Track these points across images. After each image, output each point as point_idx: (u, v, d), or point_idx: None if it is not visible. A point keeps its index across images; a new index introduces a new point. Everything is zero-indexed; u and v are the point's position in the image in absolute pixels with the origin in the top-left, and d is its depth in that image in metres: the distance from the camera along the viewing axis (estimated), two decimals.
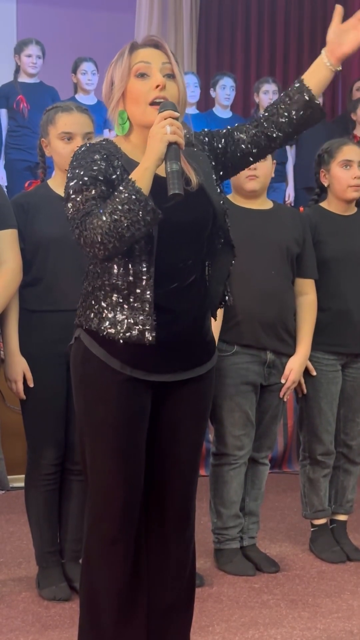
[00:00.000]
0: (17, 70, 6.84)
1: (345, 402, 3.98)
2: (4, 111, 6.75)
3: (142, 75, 2.47)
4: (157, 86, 2.44)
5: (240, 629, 3.25)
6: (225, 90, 7.32)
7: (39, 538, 3.51)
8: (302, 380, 3.88)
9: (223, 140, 2.66)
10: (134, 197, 2.33)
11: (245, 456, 3.78)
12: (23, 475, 3.72)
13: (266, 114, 2.64)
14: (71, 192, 2.44)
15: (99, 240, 2.35)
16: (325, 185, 3.99)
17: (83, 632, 2.66)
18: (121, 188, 2.37)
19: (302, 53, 9.53)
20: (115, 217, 2.33)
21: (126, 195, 2.34)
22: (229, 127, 2.69)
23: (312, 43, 9.54)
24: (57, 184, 3.41)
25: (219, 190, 2.65)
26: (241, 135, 2.64)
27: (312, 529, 4.10)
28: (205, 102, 7.91)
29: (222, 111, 7.29)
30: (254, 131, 2.62)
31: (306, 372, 3.91)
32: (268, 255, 3.70)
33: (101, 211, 2.36)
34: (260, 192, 3.83)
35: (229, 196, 3.74)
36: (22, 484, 3.81)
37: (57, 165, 3.45)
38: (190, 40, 9.09)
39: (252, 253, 3.59)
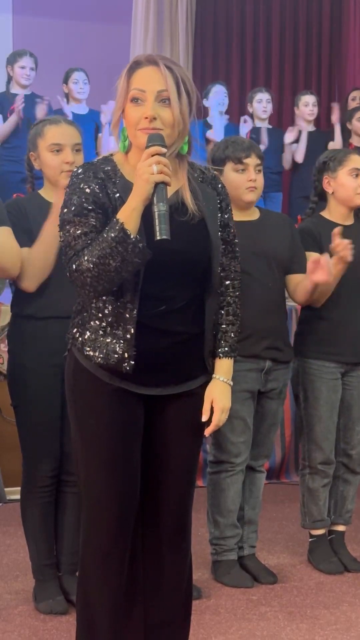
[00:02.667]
0: (9, 81, 6.84)
1: (345, 411, 3.98)
2: None
3: (135, 101, 2.48)
4: (146, 118, 2.45)
5: (246, 636, 3.26)
6: (218, 98, 7.36)
7: (35, 551, 3.50)
8: None
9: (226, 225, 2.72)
10: (122, 238, 2.36)
11: (243, 463, 3.78)
12: (17, 488, 3.72)
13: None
14: (65, 222, 2.50)
15: (89, 282, 2.44)
16: (330, 192, 3.97)
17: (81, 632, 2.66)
18: (109, 229, 2.40)
19: (298, 64, 9.57)
20: (104, 260, 2.39)
21: (114, 236, 2.38)
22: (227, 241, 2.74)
23: (307, 54, 9.59)
24: (48, 194, 3.41)
25: (220, 229, 2.67)
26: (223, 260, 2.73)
27: (310, 540, 4.08)
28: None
29: (218, 117, 7.31)
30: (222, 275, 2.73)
31: (307, 379, 3.91)
32: (264, 267, 3.72)
33: (87, 256, 2.41)
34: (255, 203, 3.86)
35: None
36: (18, 497, 3.81)
37: (47, 177, 3.45)
38: (185, 51, 9.12)
39: (250, 266, 3.57)
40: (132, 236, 2.36)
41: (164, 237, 2.34)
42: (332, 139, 7.32)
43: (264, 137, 7.20)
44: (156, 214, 2.35)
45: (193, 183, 2.61)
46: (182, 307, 2.58)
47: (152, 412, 2.66)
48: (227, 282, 2.75)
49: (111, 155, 2.61)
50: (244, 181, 3.72)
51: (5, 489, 4.99)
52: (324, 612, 3.52)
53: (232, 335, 2.74)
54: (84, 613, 2.65)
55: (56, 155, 3.37)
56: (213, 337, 2.70)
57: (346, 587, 3.81)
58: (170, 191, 2.45)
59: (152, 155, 2.36)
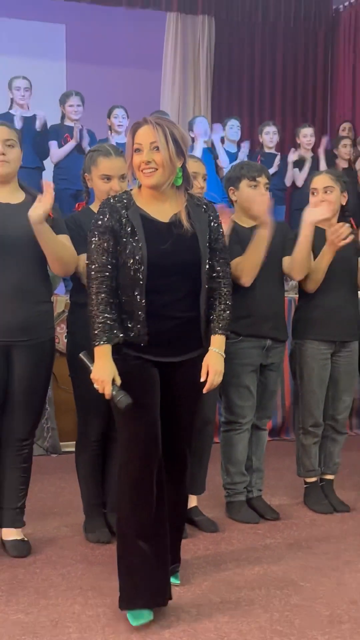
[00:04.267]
0: (63, 117, 6.87)
1: (334, 384, 3.95)
2: (54, 143, 6.77)
3: (137, 151, 2.74)
4: (142, 163, 2.72)
5: (247, 566, 3.26)
6: (232, 130, 7.34)
7: (86, 492, 3.53)
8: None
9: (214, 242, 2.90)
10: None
11: (249, 423, 3.78)
12: (72, 442, 3.75)
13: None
14: (92, 230, 2.77)
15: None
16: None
17: (120, 557, 2.79)
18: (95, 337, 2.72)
19: (297, 101, 9.52)
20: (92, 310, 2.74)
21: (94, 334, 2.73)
22: (218, 249, 2.91)
23: (304, 93, 9.55)
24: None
25: (208, 243, 2.86)
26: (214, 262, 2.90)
27: (305, 486, 4.09)
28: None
29: (230, 145, 7.29)
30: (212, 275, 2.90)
31: (302, 359, 3.91)
32: (266, 265, 3.66)
33: (92, 287, 2.75)
34: None
35: (234, 217, 3.75)
36: (71, 449, 3.84)
37: (97, 197, 3.45)
38: (205, 92, 9.09)
39: (264, 265, 3.62)
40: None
41: (122, 403, 2.67)
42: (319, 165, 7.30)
43: (276, 162, 7.22)
44: (115, 394, 2.69)
45: (189, 207, 2.83)
46: (181, 298, 2.78)
47: (165, 375, 2.83)
48: (220, 280, 2.91)
49: (131, 190, 2.87)
50: (257, 194, 3.69)
51: (60, 443, 5.03)
52: (317, 544, 3.53)
53: (225, 318, 2.91)
54: (121, 537, 2.79)
55: (105, 184, 3.37)
56: (207, 320, 2.88)
57: (334, 524, 3.82)
58: (170, 212, 2.79)
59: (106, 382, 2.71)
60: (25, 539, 3.36)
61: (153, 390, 2.79)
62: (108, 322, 2.71)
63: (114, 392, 2.68)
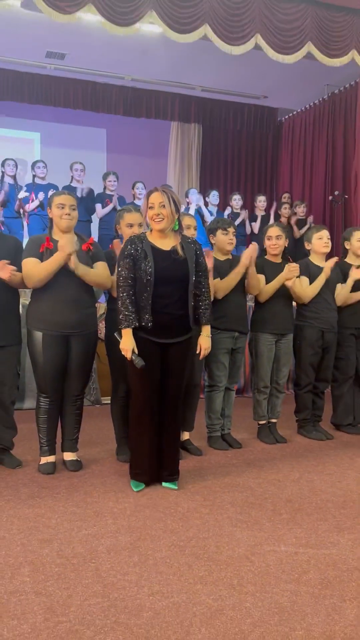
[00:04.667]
0: (104, 188, 6.87)
1: (276, 361, 3.95)
2: (99, 205, 6.77)
3: (151, 207, 2.87)
4: (154, 214, 2.85)
5: (221, 478, 3.25)
6: (214, 197, 7.34)
7: (117, 429, 3.52)
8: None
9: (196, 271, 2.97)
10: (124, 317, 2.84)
11: (223, 386, 3.77)
12: (108, 397, 3.74)
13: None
14: (120, 255, 2.90)
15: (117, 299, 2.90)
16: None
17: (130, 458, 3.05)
18: (121, 327, 2.85)
19: (254, 180, 9.50)
20: (120, 303, 2.86)
21: (120, 326, 2.84)
22: (201, 270, 2.99)
23: (259, 171, 9.52)
24: None
25: (194, 265, 2.93)
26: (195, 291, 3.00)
27: (258, 426, 4.09)
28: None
29: (212, 207, 7.29)
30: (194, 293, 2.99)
31: (257, 345, 3.90)
32: (239, 284, 3.68)
33: (119, 292, 2.86)
34: (231, 251, 3.84)
35: (213, 254, 3.72)
36: (108, 402, 3.85)
37: (125, 239, 3.46)
38: (196, 172, 9.05)
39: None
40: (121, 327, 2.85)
41: (137, 363, 2.82)
42: (269, 220, 7.31)
43: (241, 218, 7.24)
44: (134, 358, 2.83)
45: (182, 243, 2.93)
46: (175, 301, 2.86)
47: (164, 351, 2.90)
48: (201, 288, 3.01)
49: (145, 232, 2.95)
50: (227, 240, 3.71)
51: (101, 398, 5.03)
52: (265, 463, 3.53)
53: (208, 313, 3.03)
54: (133, 450, 3.03)
55: (129, 229, 3.39)
56: (193, 315, 2.97)
57: (277, 450, 3.81)
58: (170, 245, 2.89)
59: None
60: (79, 459, 3.36)
61: (153, 361, 2.88)
62: (128, 314, 2.82)
63: (133, 357, 2.82)
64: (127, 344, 2.83)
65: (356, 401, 4.37)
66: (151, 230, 2.92)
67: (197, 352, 3.04)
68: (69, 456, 3.33)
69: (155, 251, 2.84)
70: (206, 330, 3.05)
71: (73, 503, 2.81)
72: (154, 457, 2.98)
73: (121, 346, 2.85)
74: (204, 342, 3.04)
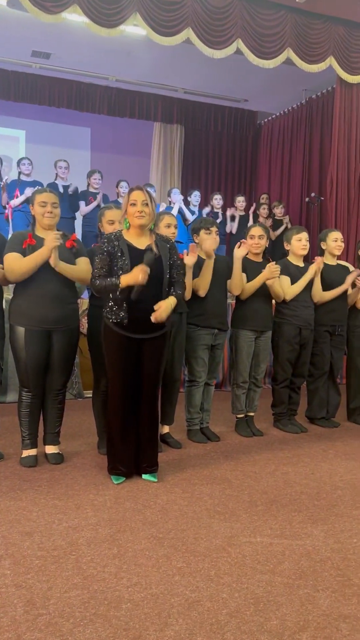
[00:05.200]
0: (88, 185, 6.78)
1: (255, 357, 3.93)
2: (83, 202, 6.67)
3: (133, 205, 2.83)
4: (137, 212, 2.82)
5: (199, 470, 3.23)
6: (195, 197, 7.29)
7: (98, 423, 3.48)
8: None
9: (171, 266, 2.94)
10: (116, 286, 2.79)
11: (203, 381, 3.74)
12: (90, 391, 3.70)
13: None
14: (97, 253, 2.87)
15: (97, 292, 2.84)
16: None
17: (108, 452, 2.99)
18: (115, 278, 2.78)
19: (234, 181, 9.48)
20: (105, 288, 2.80)
21: (113, 282, 2.78)
22: (175, 266, 2.96)
23: (240, 172, 9.51)
24: None
25: (170, 262, 2.92)
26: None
27: (236, 420, 4.07)
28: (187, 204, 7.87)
29: (194, 207, 7.24)
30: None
31: (237, 341, 3.88)
32: (217, 281, 3.66)
33: (99, 281, 2.82)
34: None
35: (198, 253, 3.68)
36: (89, 395, 3.80)
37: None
38: (178, 172, 8.99)
39: (213, 282, 3.61)
40: (119, 287, 2.78)
41: (134, 297, 2.78)
42: (248, 220, 7.30)
43: (225, 218, 7.21)
44: (135, 289, 2.78)
45: (157, 240, 2.91)
46: (150, 297, 2.82)
47: (141, 346, 2.86)
48: (175, 282, 2.96)
49: (120, 231, 2.90)
50: (210, 239, 3.67)
51: (83, 391, 4.98)
52: (243, 456, 3.52)
53: (179, 294, 2.96)
54: (111, 444, 2.96)
55: (110, 225, 3.35)
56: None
57: (253, 443, 3.81)
58: (145, 244, 2.86)
59: (143, 270, 2.74)
60: (60, 452, 3.31)
61: (129, 355, 2.85)
62: (109, 278, 2.79)
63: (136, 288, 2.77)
64: (136, 270, 2.73)
65: (330, 396, 4.39)
66: (128, 229, 2.87)
67: (155, 310, 2.84)
68: (50, 449, 3.28)
69: (131, 249, 2.82)
70: (172, 298, 2.90)
71: (54, 496, 2.76)
72: (132, 451, 2.94)
73: (132, 277, 2.73)
74: (165, 303, 2.83)
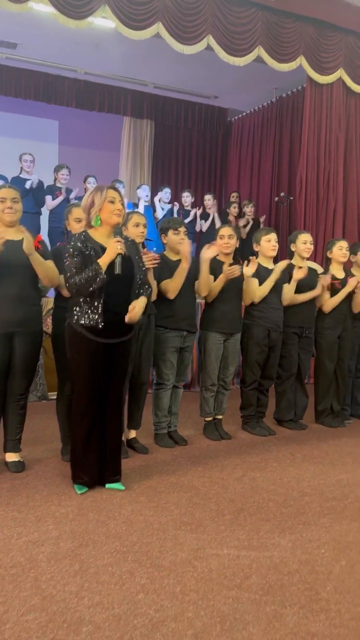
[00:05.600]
0: (55, 180, 6.60)
1: (224, 359, 3.88)
2: (49, 197, 6.48)
3: (112, 202, 2.71)
4: (117, 209, 2.72)
5: (166, 477, 3.15)
6: (165, 194, 7.19)
7: (62, 428, 3.37)
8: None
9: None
10: (97, 274, 2.63)
11: (171, 384, 3.67)
12: (55, 392, 3.58)
13: None
14: (70, 252, 2.70)
15: (75, 291, 2.67)
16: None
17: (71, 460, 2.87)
18: (92, 268, 2.63)
19: (204, 178, 9.40)
20: (86, 281, 2.62)
21: (95, 271, 2.62)
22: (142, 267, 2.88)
23: (209, 170, 9.44)
24: None
25: (140, 263, 2.86)
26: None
27: (204, 423, 4.01)
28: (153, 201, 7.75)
29: (164, 204, 7.14)
30: None
31: (205, 343, 3.81)
32: (188, 283, 3.58)
33: (77, 278, 2.64)
34: None
35: (165, 253, 3.61)
36: (54, 397, 3.68)
37: (73, 234, 3.29)
38: (147, 168, 8.87)
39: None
40: (101, 270, 2.64)
41: (119, 272, 2.67)
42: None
43: (192, 215, 7.11)
44: (117, 262, 2.66)
45: (125, 241, 2.79)
46: (121, 300, 2.74)
47: (110, 350, 2.75)
48: (141, 284, 2.87)
49: (85, 231, 2.77)
50: (178, 239, 3.58)
51: (48, 393, 4.85)
52: (211, 460, 3.46)
53: (148, 294, 2.89)
54: (74, 451, 2.85)
55: (77, 223, 3.24)
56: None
57: (222, 447, 3.75)
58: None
59: (118, 241, 2.65)
60: (22, 460, 3.18)
61: (97, 362, 2.73)
62: (86, 270, 2.63)
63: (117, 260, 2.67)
64: (110, 248, 2.64)
65: (297, 398, 4.37)
66: (99, 226, 2.74)
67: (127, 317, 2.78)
68: (11, 457, 3.15)
69: (103, 251, 2.70)
70: (143, 300, 2.84)
71: (14, 507, 2.64)
72: (96, 459, 2.83)
73: (109, 254, 2.65)
74: (138, 303, 2.77)
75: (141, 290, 2.86)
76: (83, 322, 2.68)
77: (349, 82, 6.46)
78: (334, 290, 4.25)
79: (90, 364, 2.70)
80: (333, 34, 6.27)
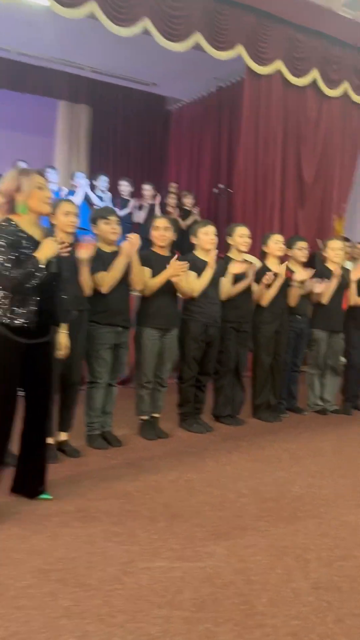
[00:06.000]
0: None
1: (160, 356, 3.74)
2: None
3: (40, 188, 2.47)
4: (47, 197, 2.49)
5: (98, 483, 2.98)
6: (102, 182, 6.92)
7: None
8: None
9: None
10: (37, 269, 2.39)
11: (104, 382, 3.49)
12: None
13: None
14: (2, 243, 2.39)
15: (14, 285, 2.39)
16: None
17: None
18: (31, 260, 2.39)
19: (143, 167, 9.18)
20: (24, 275, 2.37)
21: (31, 263, 2.38)
22: None
23: (150, 160, 9.23)
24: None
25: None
26: None
27: (139, 422, 3.86)
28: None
29: (100, 192, 6.88)
30: None
31: (141, 339, 3.67)
32: (122, 276, 3.41)
33: (14, 272, 2.35)
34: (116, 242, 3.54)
35: (98, 244, 3.41)
36: None
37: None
38: (85, 155, 8.57)
39: None
40: (42, 268, 2.40)
41: (55, 270, 2.43)
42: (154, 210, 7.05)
43: (130, 205, 6.89)
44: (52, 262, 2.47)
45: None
46: (47, 295, 2.52)
47: (30, 351, 2.49)
48: (62, 304, 2.72)
49: (9, 218, 2.47)
50: (109, 229, 3.42)
51: None
52: (146, 462, 3.32)
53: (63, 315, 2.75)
54: None
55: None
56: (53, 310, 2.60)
57: (158, 447, 3.62)
58: (38, 234, 2.49)
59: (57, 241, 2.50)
60: None
61: (16, 366, 2.47)
62: (23, 265, 2.38)
63: None
64: (45, 244, 2.43)
65: (234, 393, 4.30)
66: (25, 214, 2.46)
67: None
68: None
69: (36, 243, 2.46)
70: (64, 327, 2.77)
71: None
72: (19, 469, 2.61)
73: (47, 248, 2.43)
74: (62, 338, 2.75)
75: (63, 315, 2.70)
76: (4, 320, 2.43)
77: (287, 75, 6.42)
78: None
79: (10, 370, 2.43)
80: (273, 25, 6.19)
